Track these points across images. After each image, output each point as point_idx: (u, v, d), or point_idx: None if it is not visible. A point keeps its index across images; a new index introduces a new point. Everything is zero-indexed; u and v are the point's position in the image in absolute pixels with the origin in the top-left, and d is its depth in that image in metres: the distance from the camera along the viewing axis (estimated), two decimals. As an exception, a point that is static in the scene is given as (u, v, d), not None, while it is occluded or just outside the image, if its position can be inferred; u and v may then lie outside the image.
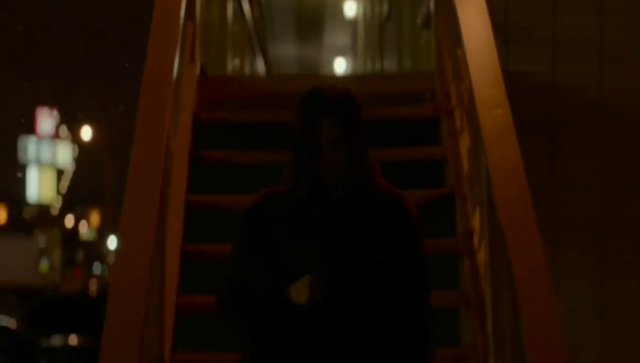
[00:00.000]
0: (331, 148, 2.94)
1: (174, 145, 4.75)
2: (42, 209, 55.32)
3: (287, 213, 3.00)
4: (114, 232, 60.23)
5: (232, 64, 8.64)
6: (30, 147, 55.58)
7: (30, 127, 55.31)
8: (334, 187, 2.98)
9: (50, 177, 56.68)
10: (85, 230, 61.03)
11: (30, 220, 52.62)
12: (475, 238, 4.69)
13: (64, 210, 58.42)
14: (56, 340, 18.20)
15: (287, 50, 19.78)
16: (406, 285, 2.97)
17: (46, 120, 55.84)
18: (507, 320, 4.03)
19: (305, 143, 2.95)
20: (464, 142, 4.99)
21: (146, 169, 3.93)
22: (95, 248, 59.93)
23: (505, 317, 4.07)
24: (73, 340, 18.27)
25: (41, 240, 47.47)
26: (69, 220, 59.48)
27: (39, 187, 55.62)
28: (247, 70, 10.46)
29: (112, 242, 61.94)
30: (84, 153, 56.38)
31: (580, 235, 5.57)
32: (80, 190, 58.76)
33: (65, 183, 58.02)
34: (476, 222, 4.68)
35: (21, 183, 54.91)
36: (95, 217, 60.88)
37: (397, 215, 3.02)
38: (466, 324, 4.97)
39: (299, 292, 2.86)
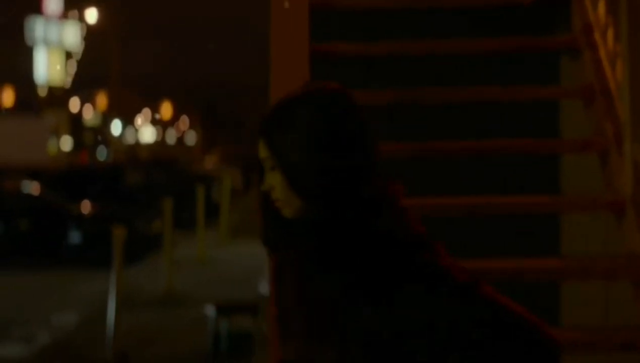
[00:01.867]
0: (263, 174, 2.12)
1: None
2: (50, 91, 55.08)
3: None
4: (118, 116, 60.18)
5: None
6: (38, 28, 55.07)
7: (37, 7, 54.77)
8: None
9: (58, 58, 56.27)
10: (90, 115, 60.92)
11: (39, 102, 52.45)
12: (597, 32, 4.57)
13: (70, 93, 58.22)
14: (73, 208, 18.14)
15: None
16: None
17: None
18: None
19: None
20: None
21: None
22: (100, 133, 59.93)
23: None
24: (86, 206, 18.23)
25: (49, 121, 47.30)
26: (74, 104, 59.31)
27: (47, 68, 55.26)
28: None
29: (116, 127, 61.89)
30: (90, 35, 55.98)
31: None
32: (86, 74, 58.51)
33: (73, 64, 57.67)
34: (600, 15, 4.56)
35: (28, 64, 54.54)
36: (102, 100, 60.75)
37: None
38: (566, 118, 4.93)
39: None
